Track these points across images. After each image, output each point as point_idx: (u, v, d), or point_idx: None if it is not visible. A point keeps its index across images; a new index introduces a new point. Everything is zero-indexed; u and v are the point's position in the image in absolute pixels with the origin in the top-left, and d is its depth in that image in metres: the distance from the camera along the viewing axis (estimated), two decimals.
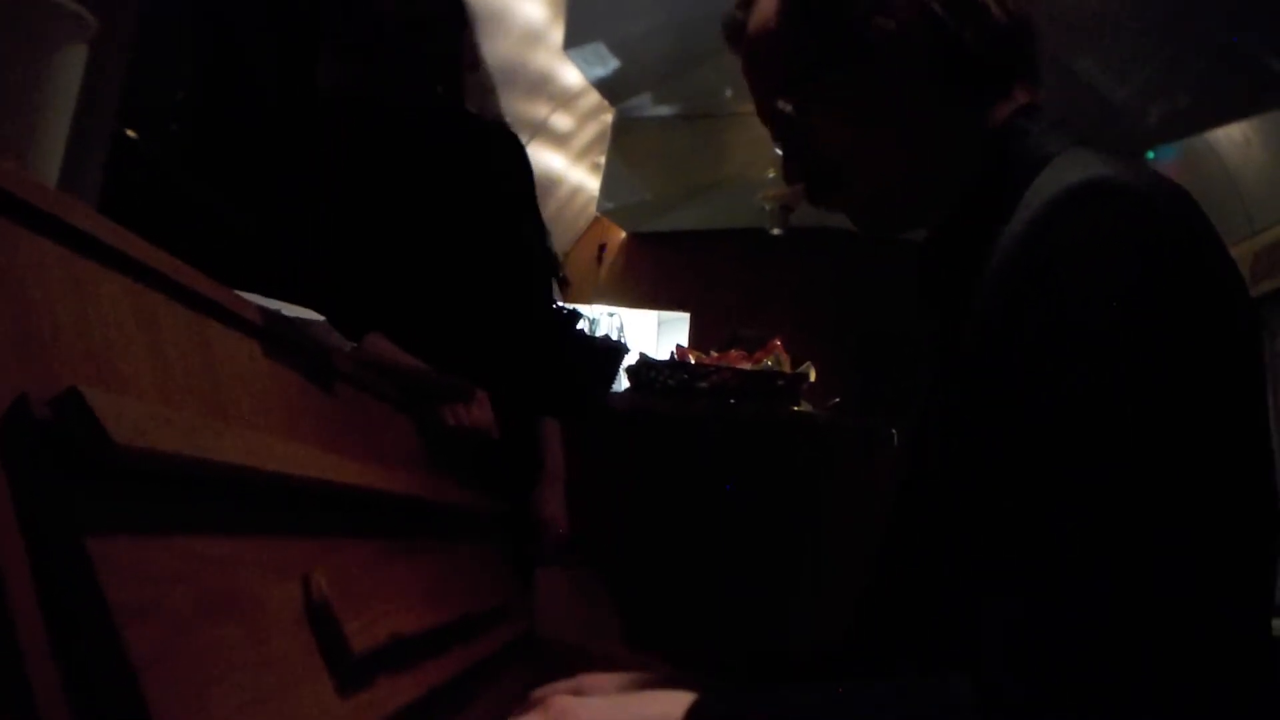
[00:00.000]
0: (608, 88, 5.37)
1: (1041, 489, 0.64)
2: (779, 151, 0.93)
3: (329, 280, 1.53)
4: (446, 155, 1.65)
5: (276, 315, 0.87)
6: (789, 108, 0.88)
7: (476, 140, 1.70)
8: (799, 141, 0.90)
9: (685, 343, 6.64)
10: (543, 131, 5.73)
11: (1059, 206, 0.69)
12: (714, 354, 3.06)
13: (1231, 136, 4.91)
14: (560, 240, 6.99)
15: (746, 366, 2.87)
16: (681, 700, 0.70)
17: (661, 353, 3.16)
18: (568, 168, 6.57)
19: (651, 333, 7.84)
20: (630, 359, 3.11)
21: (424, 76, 1.63)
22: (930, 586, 0.77)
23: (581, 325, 4.10)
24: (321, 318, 0.97)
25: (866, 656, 0.86)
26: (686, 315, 7.88)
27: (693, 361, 2.92)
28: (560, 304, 2.01)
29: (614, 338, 4.14)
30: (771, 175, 6.19)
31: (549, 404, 1.80)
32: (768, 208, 6.76)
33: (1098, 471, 0.62)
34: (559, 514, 1.77)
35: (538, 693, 0.89)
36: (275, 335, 0.86)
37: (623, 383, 3.16)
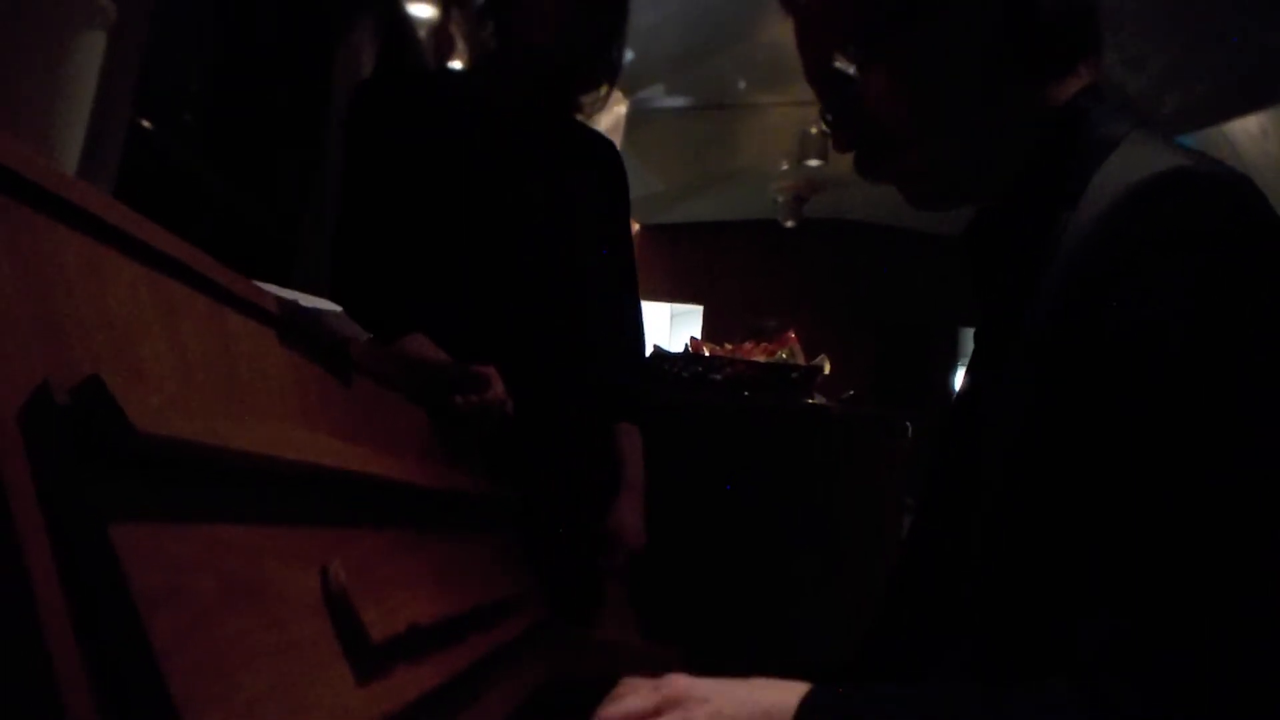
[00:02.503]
0: (621, 78, 5.37)
1: (1156, 493, 0.62)
2: (827, 119, 0.87)
3: (351, 273, 1.53)
4: (565, 155, 1.70)
5: (294, 305, 0.87)
6: (850, 68, 0.83)
7: (589, 147, 1.72)
8: (853, 107, 0.84)
9: (698, 335, 6.64)
10: None
11: (1149, 196, 0.67)
12: (728, 346, 3.05)
13: (1248, 129, 4.86)
14: None
15: (761, 359, 2.87)
16: (793, 691, 0.69)
17: (675, 345, 3.16)
18: None
19: (664, 325, 7.84)
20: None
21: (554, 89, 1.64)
22: (968, 580, 0.75)
23: None
24: (338, 308, 0.97)
25: (894, 653, 0.85)
26: (699, 308, 7.86)
27: (707, 354, 2.92)
28: None
29: None
30: (785, 167, 6.17)
31: (631, 409, 1.75)
32: (781, 199, 6.74)
33: (1223, 475, 0.60)
34: (637, 526, 1.69)
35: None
36: (292, 325, 0.86)
37: None
